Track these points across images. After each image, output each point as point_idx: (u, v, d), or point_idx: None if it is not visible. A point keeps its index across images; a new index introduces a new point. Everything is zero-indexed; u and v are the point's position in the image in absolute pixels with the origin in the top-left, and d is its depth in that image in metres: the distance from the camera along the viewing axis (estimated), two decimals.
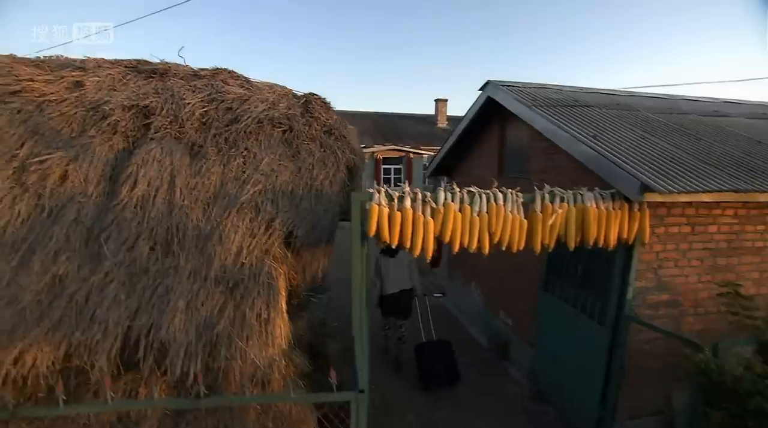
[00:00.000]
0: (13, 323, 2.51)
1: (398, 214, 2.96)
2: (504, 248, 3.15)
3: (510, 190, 3.16)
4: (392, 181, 18.82)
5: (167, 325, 2.59)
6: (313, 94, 4.45)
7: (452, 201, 3.06)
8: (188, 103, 3.62)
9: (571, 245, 3.24)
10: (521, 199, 3.18)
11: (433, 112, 24.27)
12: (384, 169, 18.64)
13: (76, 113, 3.36)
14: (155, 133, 3.39)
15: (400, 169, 18.96)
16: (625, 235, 3.32)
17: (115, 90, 3.66)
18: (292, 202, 3.33)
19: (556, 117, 4.66)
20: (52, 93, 3.44)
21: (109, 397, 2.28)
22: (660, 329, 3.43)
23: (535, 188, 3.25)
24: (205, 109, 3.66)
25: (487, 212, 3.10)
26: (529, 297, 5.23)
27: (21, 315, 2.53)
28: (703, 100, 6.74)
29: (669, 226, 3.68)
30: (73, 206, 2.92)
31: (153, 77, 3.96)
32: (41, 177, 2.98)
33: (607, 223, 3.24)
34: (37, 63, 3.87)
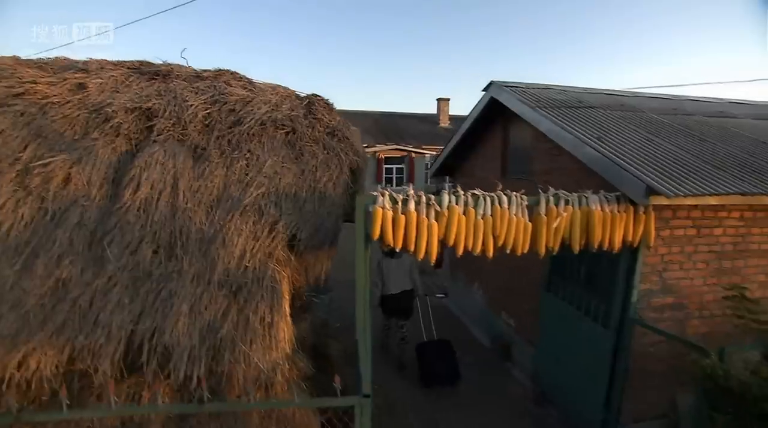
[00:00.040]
0: (16, 327, 2.51)
1: (402, 217, 2.94)
2: (508, 251, 3.14)
3: (514, 193, 3.15)
4: (394, 181, 18.81)
5: (171, 329, 2.58)
6: (316, 95, 4.43)
7: (456, 204, 3.04)
8: (191, 105, 3.61)
9: (576, 248, 3.22)
10: (526, 202, 3.17)
11: (434, 111, 24.21)
12: (386, 168, 18.62)
13: (78, 115, 3.35)
14: (158, 135, 3.38)
15: (402, 168, 18.94)
16: (629, 238, 3.30)
17: (117, 92, 3.65)
18: (296, 205, 3.31)
19: (561, 118, 4.63)
20: (55, 95, 3.43)
21: (112, 401, 2.28)
22: (665, 333, 3.41)
23: (540, 191, 3.23)
24: (207, 111, 3.65)
25: (491, 215, 3.08)
26: (531, 298, 5.22)
27: (25, 319, 2.52)
28: (708, 100, 6.71)
29: (674, 229, 3.66)
30: (77, 209, 2.92)
31: (156, 79, 3.95)
32: (44, 180, 2.97)
33: (611, 226, 3.23)
34: (40, 64, 3.87)
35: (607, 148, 3.92)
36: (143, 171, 3.11)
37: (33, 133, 3.17)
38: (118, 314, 2.60)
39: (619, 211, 3.25)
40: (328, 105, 4.35)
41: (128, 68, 4.05)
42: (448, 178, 10.24)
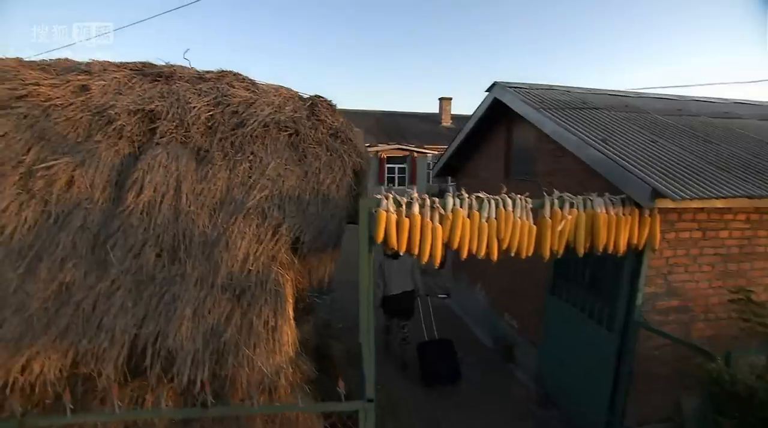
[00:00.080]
0: (20, 331, 2.51)
1: (406, 221, 2.93)
2: (512, 254, 3.12)
3: (519, 196, 3.13)
4: (396, 181, 18.77)
5: (174, 333, 2.58)
6: (319, 97, 4.42)
7: (461, 207, 3.02)
8: (194, 107, 3.60)
9: (581, 251, 3.20)
10: (530, 205, 3.15)
11: (436, 111, 24.17)
12: (388, 168, 18.59)
13: (82, 118, 3.35)
14: (161, 137, 3.38)
15: (404, 168, 18.91)
16: (634, 241, 3.27)
17: (120, 94, 3.64)
18: (299, 207, 3.30)
19: (565, 120, 4.61)
20: (58, 97, 3.43)
21: (116, 406, 2.27)
22: (671, 336, 3.40)
23: (544, 193, 3.21)
24: (210, 113, 3.64)
25: (495, 218, 3.06)
26: (535, 299, 5.20)
27: (28, 322, 2.52)
28: (713, 100, 6.67)
29: (679, 232, 3.63)
30: (80, 212, 2.91)
31: (158, 80, 3.95)
32: (48, 183, 2.97)
33: (616, 229, 3.20)
34: (43, 66, 3.87)
35: (612, 149, 3.89)
36: (146, 173, 3.11)
37: (36, 135, 3.17)
38: (122, 318, 2.59)
39: (624, 214, 3.22)
40: (331, 106, 4.34)
41: (131, 70, 4.05)
42: (450, 178, 10.22)
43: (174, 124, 3.46)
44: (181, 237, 2.91)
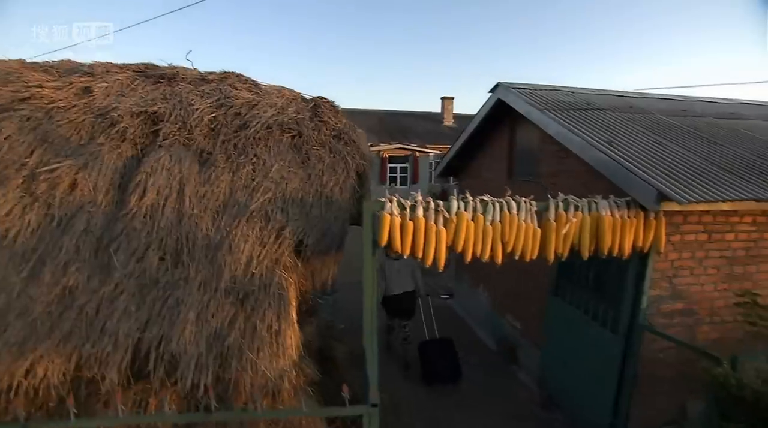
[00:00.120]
0: (24, 335, 2.50)
1: (410, 224, 2.91)
2: (517, 257, 3.11)
3: (523, 199, 3.11)
4: (398, 181, 18.73)
5: (177, 337, 2.57)
6: (322, 98, 4.41)
7: (465, 210, 3.01)
8: (196, 109, 3.59)
9: (585, 254, 3.19)
10: (535, 208, 3.13)
11: (437, 110, 24.12)
12: (390, 167, 18.55)
13: (84, 120, 3.34)
14: (164, 140, 3.37)
15: (406, 167, 18.86)
16: (640, 244, 3.26)
17: (123, 96, 3.64)
18: (302, 210, 3.29)
19: (569, 121, 4.58)
20: (60, 99, 3.42)
21: (120, 410, 2.27)
22: (677, 340, 3.38)
23: (549, 196, 3.19)
24: (213, 115, 3.63)
25: (500, 221, 3.05)
26: (538, 301, 5.18)
27: (32, 326, 2.52)
28: (718, 101, 6.62)
29: (685, 234, 3.61)
30: (83, 216, 2.91)
31: (161, 82, 3.94)
32: (51, 186, 2.96)
33: (621, 232, 3.19)
34: (46, 68, 3.86)
35: (617, 151, 3.87)
36: (149, 176, 3.10)
37: (39, 138, 3.17)
38: (125, 322, 2.59)
39: (629, 217, 3.21)
40: (333, 107, 4.33)
41: (134, 71, 4.04)
42: (452, 178, 10.20)
43: (177, 126, 3.45)
44: (184, 241, 2.90)
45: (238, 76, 4.38)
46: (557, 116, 4.70)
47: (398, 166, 18.79)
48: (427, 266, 3.03)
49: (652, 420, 3.81)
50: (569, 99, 5.44)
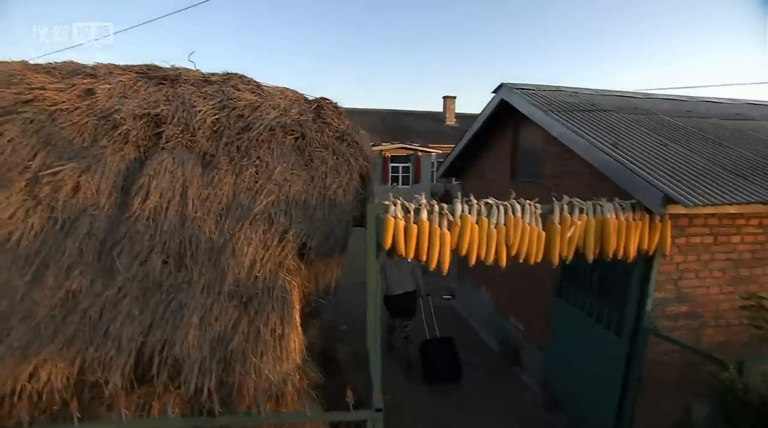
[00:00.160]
0: (27, 339, 2.50)
1: (414, 227, 2.90)
2: (521, 260, 3.09)
3: (528, 202, 3.09)
4: (400, 180, 18.70)
5: (181, 341, 2.56)
6: (325, 99, 4.39)
7: (469, 213, 2.99)
8: (199, 111, 3.58)
9: (590, 257, 3.17)
10: (539, 211, 3.11)
11: (439, 109, 24.06)
12: (392, 167, 18.52)
13: (87, 122, 3.33)
14: (167, 142, 3.36)
15: (408, 167, 18.82)
16: (645, 247, 3.24)
17: (126, 97, 3.63)
18: (306, 213, 3.28)
19: (573, 122, 4.55)
20: (63, 101, 3.41)
21: (123, 414, 2.26)
22: (682, 344, 3.35)
23: (554, 199, 3.17)
24: (216, 117, 3.62)
25: (504, 224, 3.03)
26: (541, 302, 5.16)
27: (35, 330, 2.51)
28: (724, 101, 6.57)
29: (690, 237, 3.58)
30: (86, 219, 2.90)
31: (164, 84, 3.93)
32: (54, 189, 2.96)
33: (626, 235, 3.17)
34: (49, 69, 3.86)
35: (622, 153, 3.84)
36: (152, 179, 3.09)
37: (42, 140, 3.16)
38: (129, 326, 2.58)
39: (634, 220, 3.19)
40: (336, 108, 4.31)
41: (136, 73, 4.03)
42: (453, 179, 10.18)
43: (180, 128, 3.44)
44: (187, 244, 2.89)
45: (241, 77, 4.36)
46: (561, 117, 4.68)
47: (400, 165, 18.75)
48: (432, 268, 3.02)
49: (657, 423, 3.79)
50: (573, 100, 5.41)
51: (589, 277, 4.30)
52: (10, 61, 3.86)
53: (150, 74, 4.04)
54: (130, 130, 3.33)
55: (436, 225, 2.93)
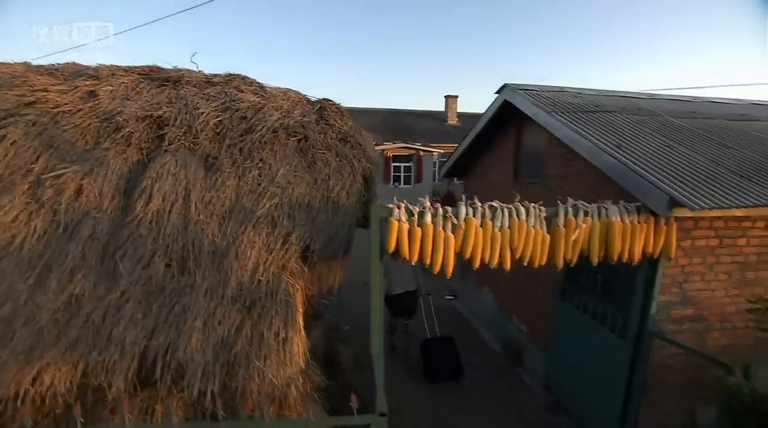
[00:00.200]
0: (31, 343, 2.49)
1: (418, 230, 2.89)
2: (525, 263, 3.08)
3: (532, 205, 3.07)
4: (402, 180, 18.66)
5: (184, 346, 2.55)
6: (328, 100, 4.37)
7: (473, 216, 2.98)
8: (202, 113, 3.57)
9: (595, 260, 3.15)
10: (544, 214, 3.10)
11: (442, 109, 24.01)
12: (394, 166, 18.48)
13: (90, 125, 3.32)
14: (169, 144, 3.34)
15: (410, 166, 18.78)
16: (650, 250, 3.22)
17: (128, 99, 3.61)
18: (309, 215, 3.26)
19: (577, 124, 4.53)
20: (66, 104, 3.40)
21: (126, 418, 2.25)
22: (687, 347, 3.33)
23: (558, 201, 3.15)
24: (219, 119, 3.60)
25: (508, 227, 3.02)
26: (544, 304, 5.15)
27: (39, 334, 2.50)
28: (729, 102, 6.54)
29: (696, 240, 3.56)
30: (89, 222, 2.89)
31: (166, 85, 3.91)
32: (56, 192, 2.95)
33: (631, 238, 3.15)
34: (51, 71, 3.84)
35: (626, 155, 3.82)
36: (155, 182, 3.08)
37: (45, 143, 3.15)
38: (132, 330, 2.57)
39: (639, 222, 3.17)
40: (339, 109, 4.29)
41: (138, 74, 4.02)
42: (455, 178, 10.15)
43: (182, 130, 3.43)
44: (190, 247, 2.88)
45: (243, 78, 4.34)
46: (565, 118, 4.65)
47: (402, 165, 18.70)
48: (435, 272, 3.01)
49: (661, 427, 3.77)
50: (577, 101, 5.39)
51: (593, 280, 4.28)
52: (12, 62, 3.85)
53: (152, 76, 4.03)
54: (132, 132, 3.32)
55: (440, 229, 2.92)
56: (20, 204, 2.86)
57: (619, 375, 3.77)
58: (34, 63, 4.01)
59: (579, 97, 5.58)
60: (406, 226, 2.88)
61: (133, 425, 2.38)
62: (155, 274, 2.76)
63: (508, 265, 3.04)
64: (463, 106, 24.69)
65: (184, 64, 4.52)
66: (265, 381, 2.63)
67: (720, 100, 6.51)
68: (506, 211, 3.02)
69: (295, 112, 3.94)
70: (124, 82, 3.78)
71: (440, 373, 5.52)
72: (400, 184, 18.40)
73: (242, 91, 4.01)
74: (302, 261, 3.16)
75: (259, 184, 3.29)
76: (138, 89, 3.80)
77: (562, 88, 5.83)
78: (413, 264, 5.46)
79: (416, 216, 2.93)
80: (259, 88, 4.22)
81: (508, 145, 6.34)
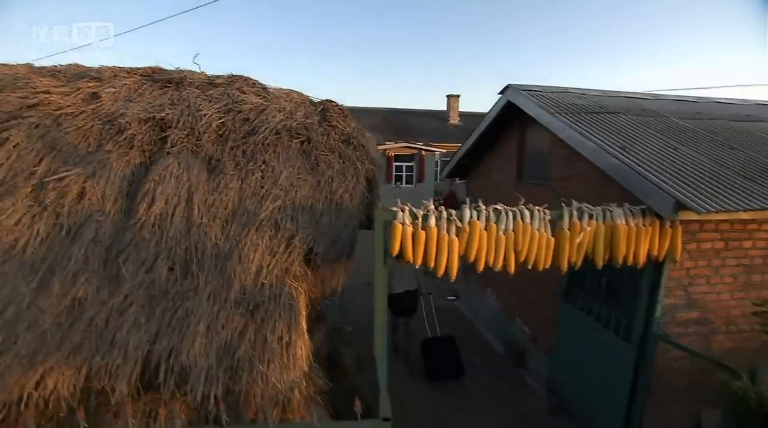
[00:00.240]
0: (34, 346, 2.48)
1: (422, 233, 2.88)
2: (530, 266, 3.06)
3: (537, 208, 3.06)
4: (404, 179, 18.62)
5: (188, 349, 2.54)
6: (331, 101, 4.36)
7: (478, 219, 2.96)
8: (204, 115, 3.55)
9: (599, 263, 3.13)
10: (548, 217, 3.08)
11: (443, 108, 23.98)
12: (396, 166, 18.44)
13: (92, 127, 3.31)
14: (172, 146, 3.33)
15: (412, 166, 18.74)
16: (655, 252, 3.20)
17: (131, 101, 3.60)
18: (312, 218, 3.25)
19: (581, 125, 4.51)
20: (68, 106, 3.39)
21: (130, 422, 2.25)
22: (692, 350, 3.32)
23: (562, 203, 3.13)
24: (221, 121, 3.59)
25: (513, 230, 3.00)
26: (548, 306, 5.13)
27: (42, 338, 2.50)
28: (733, 102, 6.50)
29: (701, 242, 3.54)
30: (91, 225, 2.88)
31: (168, 87, 3.90)
32: (59, 195, 2.93)
33: (636, 241, 3.13)
34: (53, 72, 3.84)
35: (631, 157, 3.80)
36: (157, 184, 3.07)
37: (47, 145, 3.14)
38: (135, 334, 2.56)
39: (644, 225, 3.15)
40: (342, 111, 4.27)
41: (141, 75, 4.01)
42: (457, 179, 10.13)
43: (185, 132, 3.41)
44: (193, 251, 2.86)
45: (246, 79, 4.33)
46: (569, 119, 4.63)
47: (404, 164, 18.65)
48: (440, 275, 3.00)
49: None
50: (581, 101, 5.36)
51: (598, 282, 4.26)
52: (15, 64, 3.85)
53: (155, 77, 4.01)
54: (135, 134, 3.30)
55: (444, 232, 2.91)
56: (23, 207, 2.85)
57: (623, 377, 3.75)
58: (36, 64, 4.01)
59: (583, 97, 5.55)
60: (410, 230, 2.87)
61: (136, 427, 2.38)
62: (158, 278, 2.75)
63: (512, 269, 3.02)
64: (464, 106, 24.66)
65: (187, 64, 4.53)
66: (269, 385, 2.62)
67: (725, 101, 6.47)
68: (510, 214, 3.00)
69: (298, 113, 3.92)
70: (126, 84, 3.77)
71: (441, 372, 5.54)
72: (402, 184, 18.36)
73: (245, 93, 4.00)
74: (305, 264, 3.15)
75: (262, 187, 3.28)
76: (140, 91, 3.78)
77: (565, 88, 5.80)
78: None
79: (420, 219, 2.91)
80: (262, 90, 4.21)
81: (512, 146, 6.31)
